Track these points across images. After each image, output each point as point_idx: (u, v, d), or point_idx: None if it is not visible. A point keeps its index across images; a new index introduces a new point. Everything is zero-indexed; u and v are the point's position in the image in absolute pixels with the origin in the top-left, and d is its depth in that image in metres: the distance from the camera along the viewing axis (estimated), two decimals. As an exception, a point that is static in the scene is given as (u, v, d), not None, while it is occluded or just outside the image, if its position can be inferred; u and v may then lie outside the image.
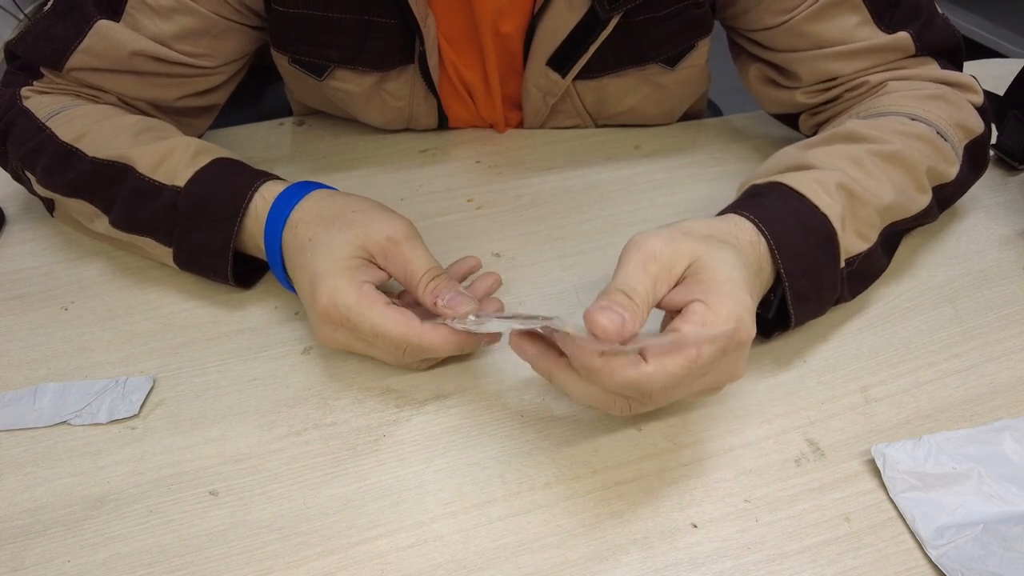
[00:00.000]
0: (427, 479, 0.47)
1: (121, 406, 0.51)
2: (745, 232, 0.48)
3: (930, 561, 0.43)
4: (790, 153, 0.57)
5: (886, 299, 0.59)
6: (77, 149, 0.59)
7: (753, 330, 0.43)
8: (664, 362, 0.40)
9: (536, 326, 0.44)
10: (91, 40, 0.62)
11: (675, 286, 0.44)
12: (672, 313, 0.44)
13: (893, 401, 0.52)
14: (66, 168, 0.59)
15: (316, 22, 0.65)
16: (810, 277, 0.50)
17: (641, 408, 0.44)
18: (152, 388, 0.53)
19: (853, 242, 0.53)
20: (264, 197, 0.55)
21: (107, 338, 0.57)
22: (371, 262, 0.51)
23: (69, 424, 0.50)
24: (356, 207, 0.53)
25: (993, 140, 0.73)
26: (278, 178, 0.57)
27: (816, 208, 0.50)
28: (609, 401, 0.43)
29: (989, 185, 0.71)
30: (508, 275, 0.62)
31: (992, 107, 0.74)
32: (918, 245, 0.64)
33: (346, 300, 0.48)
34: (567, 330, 0.41)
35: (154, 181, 0.56)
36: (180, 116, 0.69)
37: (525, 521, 0.45)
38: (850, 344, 0.55)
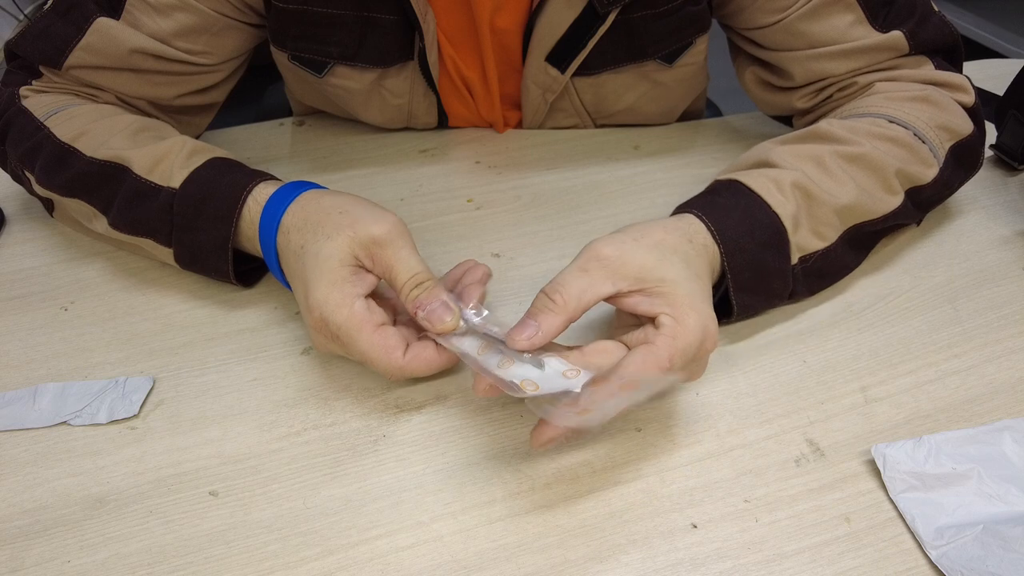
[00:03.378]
0: (427, 479, 0.47)
1: (121, 406, 0.51)
2: (699, 235, 0.51)
3: (930, 561, 0.43)
4: (761, 147, 0.59)
5: (886, 299, 0.59)
6: (75, 149, 0.59)
7: (716, 339, 0.46)
8: (639, 375, 0.43)
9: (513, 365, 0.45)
10: (90, 38, 0.62)
11: (634, 292, 0.46)
12: (630, 315, 0.48)
13: (893, 401, 0.52)
14: (63, 168, 0.59)
15: (316, 18, 0.65)
16: (754, 271, 0.52)
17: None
18: (152, 388, 0.53)
19: (808, 240, 0.55)
20: (256, 200, 0.54)
21: (107, 338, 0.57)
22: (361, 267, 0.50)
23: (69, 424, 0.50)
24: (342, 208, 0.51)
25: (993, 140, 0.73)
26: (272, 177, 0.57)
27: (767, 205, 0.53)
28: None
29: (989, 185, 0.71)
30: (508, 275, 0.62)
31: (992, 107, 0.74)
32: (918, 245, 0.64)
33: (336, 318, 0.48)
34: (529, 393, 0.43)
35: (150, 182, 0.56)
36: (179, 114, 0.69)
37: (525, 521, 0.45)
38: (850, 344, 0.56)
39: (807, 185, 0.54)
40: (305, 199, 0.53)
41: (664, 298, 0.46)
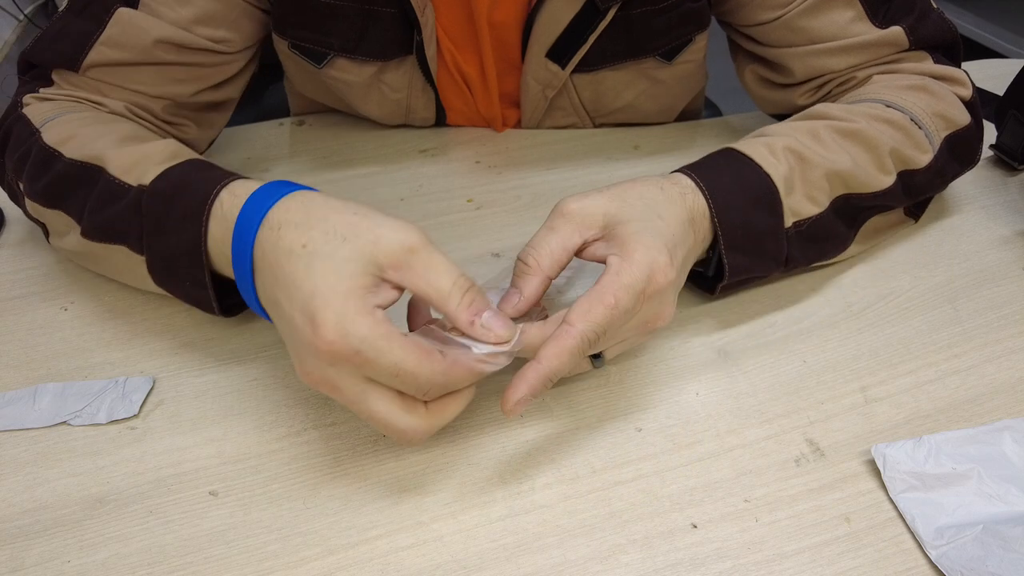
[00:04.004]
0: (427, 479, 0.47)
1: (121, 406, 0.51)
2: (677, 185, 0.51)
3: (930, 561, 0.43)
4: (760, 129, 0.60)
5: (886, 299, 0.59)
6: (59, 153, 0.55)
7: (670, 274, 0.46)
8: (587, 319, 0.44)
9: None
10: (112, 30, 0.60)
11: (597, 240, 0.47)
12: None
13: (893, 401, 0.52)
14: (44, 172, 0.55)
15: (318, 8, 0.66)
16: (745, 229, 0.53)
17: (584, 355, 0.46)
18: (152, 388, 0.53)
19: (802, 204, 0.55)
20: (234, 193, 0.47)
21: (107, 338, 0.57)
22: (382, 279, 0.42)
23: (69, 424, 0.50)
24: (356, 209, 0.44)
25: (993, 140, 0.73)
26: (252, 180, 0.50)
27: (759, 166, 0.53)
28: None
29: (989, 185, 0.71)
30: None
31: (992, 107, 0.74)
32: (918, 245, 0.64)
33: (359, 330, 0.40)
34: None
35: (124, 183, 0.52)
36: (198, 112, 0.68)
37: (525, 521, 0.45)
38: (850, 344, 0.56)
39: (800, 149, 0.55)
40: (306, 195, 0.46)
41: (616, 239, 0.46)
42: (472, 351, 0.43)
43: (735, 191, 0.52)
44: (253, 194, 0.46)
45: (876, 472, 0.47)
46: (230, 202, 0.47)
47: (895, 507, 0.45)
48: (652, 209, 0.48)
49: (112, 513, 0.45)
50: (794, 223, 0.54)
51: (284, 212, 0.44)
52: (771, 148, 0.55)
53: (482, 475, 0.47)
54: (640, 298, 0.45)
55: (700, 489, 0.47)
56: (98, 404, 0.51)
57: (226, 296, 0.51)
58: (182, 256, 0.49)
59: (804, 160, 0.55)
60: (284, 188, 0.46)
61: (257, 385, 0.53)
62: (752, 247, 0.53)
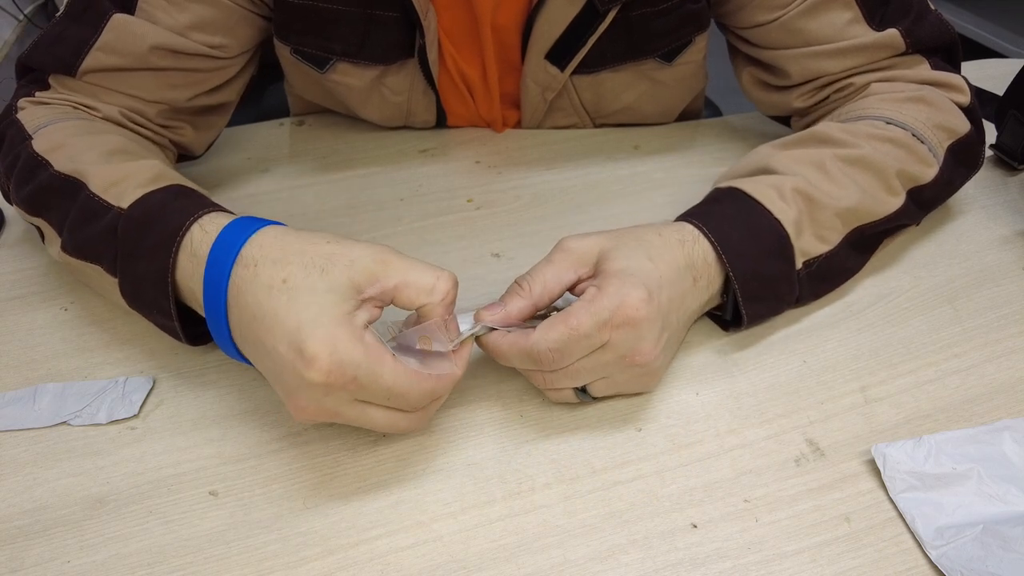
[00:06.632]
0: (427, 479, 0.47)
1: (121, 407, 0.51)
2: (678, 232, 0.52)
3: (930, 561, 0.43)
4: (761, 153, 0.60)
5: (886, 299, 0.59)
6: (46, 161, 0.55)
7: (643, 310, 0.46)
8: (547, 330, 0.46)
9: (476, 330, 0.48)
10: (108, 36, 0.60)
11: (590, 277, 0.49)
12: None
13: (893, 401, 0.52)
14: (30, 179, 0.55)
15: (321, 14, 0.66)
16: (761, 279, 0.53)
17: (554, 380, 0.48)
18: (152, 388, 0.53)
19: (811, 244, 0.55)
20: (204, 229, 0.47)
21: (107, 338, 0.57)
22: (362, 301, 0.44)
23: (69, 424, 0.50)
24: (329, 238, 0.45)
25: (993, 140, 0.73)
26: (226, 211, 0.50)
27: (768, 212, 0.53)
28: (530, 376, 0.50)
29: (989, 185, 0.71)
30: (507, 275, 0.61)
31: (992, 107, 0.74)
32: (918, 245, 0.64)
33: (353, 357, 0.41)
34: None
35: (103, 201, 0.51)
36: (196, 116, 0.68)
37: (525, 521, 0.45)
38: (850, 344, 0.56)
39: (808, 190, 0.55)
40: (278, 230, 0.46)
41: (601, 274, 0.48)
42: (416, 347, 0.46)
43: (746, 239, 0.52)
44: (223, 231, 0.46)
45: (876, 472, 0.47)
46: (200, 237, 0.47)
47: (895, 507, 0.45)
48: (644, 251, 0.49)
49: (112, 513, 0.45)
50: (804, 263, 0.54)
51: (258, 249, 0.45)
52: (779, 191, 0.54)
53: (482, 475, 0.47)
54: (605, 327, 0.45)
55: (700, 489, 0.47)
56: (98, 404, 0.51)
57: (193, 325, 0.51)
58: (149, 285, 0.49)
59: (812, 201, 0.55)
60: (255, 224, 0.47)
61: (257, 385, 0.53)
62: (767, 294, 0.54)
